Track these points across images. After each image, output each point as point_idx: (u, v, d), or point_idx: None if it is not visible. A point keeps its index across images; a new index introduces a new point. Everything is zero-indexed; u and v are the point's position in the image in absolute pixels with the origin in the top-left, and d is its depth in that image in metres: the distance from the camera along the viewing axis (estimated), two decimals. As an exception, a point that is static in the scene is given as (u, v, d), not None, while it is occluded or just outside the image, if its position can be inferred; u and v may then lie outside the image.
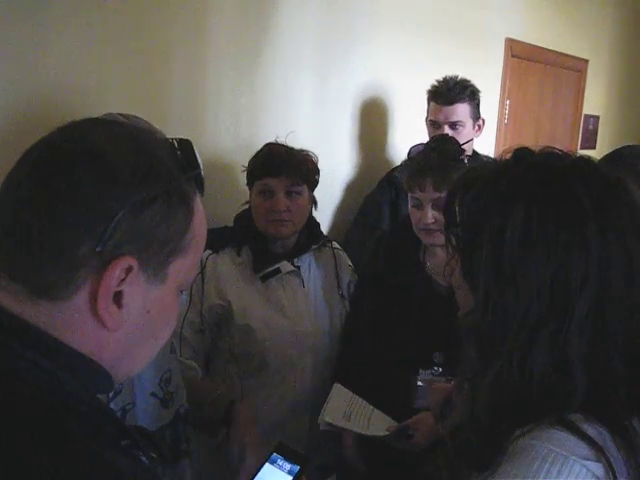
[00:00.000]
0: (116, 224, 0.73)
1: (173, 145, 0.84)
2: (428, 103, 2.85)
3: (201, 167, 0.85)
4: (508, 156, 1.06)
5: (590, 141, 5.26)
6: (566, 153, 1.05)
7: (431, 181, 1.93)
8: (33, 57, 1.80)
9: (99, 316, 0.75)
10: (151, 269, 0.78)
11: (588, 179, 0.98)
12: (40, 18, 1.79)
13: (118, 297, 0.76)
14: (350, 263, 2.36)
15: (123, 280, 0.75)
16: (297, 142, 2.22)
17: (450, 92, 2.75)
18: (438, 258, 2.02)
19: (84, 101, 1.62)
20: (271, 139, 2.22)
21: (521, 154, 1.04)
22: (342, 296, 2.28)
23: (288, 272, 2.16)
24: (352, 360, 2.15)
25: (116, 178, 0.74)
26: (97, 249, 0.73)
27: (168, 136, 0.88)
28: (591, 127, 5.31)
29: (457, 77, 2.80)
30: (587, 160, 1.05)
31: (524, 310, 0.94)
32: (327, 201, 2.74)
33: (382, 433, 1.90)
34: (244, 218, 2.19)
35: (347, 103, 2.95)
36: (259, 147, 2.20)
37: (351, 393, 2.01)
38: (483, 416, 0.98)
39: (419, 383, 1.95)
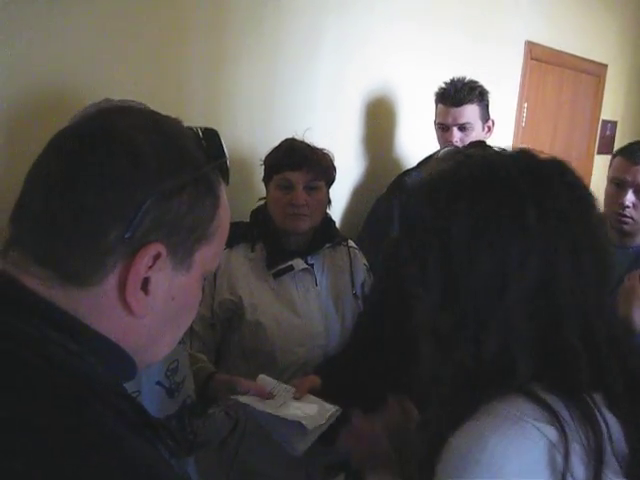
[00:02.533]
0: (145, 211, 0.74)
1: (198, 134, 0.85)
2: (436, 105, 2.81)
3: (227, 156, 0.86)
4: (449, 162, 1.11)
5: (607, 146, 5.23)
6: (503, 149, 1.10)
7: None
8: (49, 49, 1.80)
9: (127, 302, 0.76)
10: (178, 256, 0.79)
11: (525, 167, 1.03)
12: (54, 11, 1.79)
13: (145, 284, 0.77)
14: (365, 262, 2.35)
15: (151, 267, 0.76)
16: (309, 140, 2.21)
17: (458, 93, 2.71)
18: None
19: (98, 96, 1.63)
20: (285, 136, 2.22)
21: (458, 157, 1.10)
22: (356, 296, 2.27)
23: (301, 270, 2.15)
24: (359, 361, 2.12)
25: (145, 166, 0.75)
26: (126, 236, 0.74)
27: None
28: (608, 132, 5.28)
29: (465, 78, 2.76)
30: (525, 151, 1.09)
31: (474, 304, 0.99)
32: (338, 201, 2.73)
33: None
34: (260, 214, 2.19)
35: (360, 103, 2.94)
36: (274, 144, 2.20)
37: (275, 381, 1.88)
38: (449, 399, 1.04)
39: None
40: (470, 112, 2.72)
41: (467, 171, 1.04)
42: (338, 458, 2.23)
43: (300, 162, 2.09)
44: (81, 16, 1.85)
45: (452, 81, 2.76)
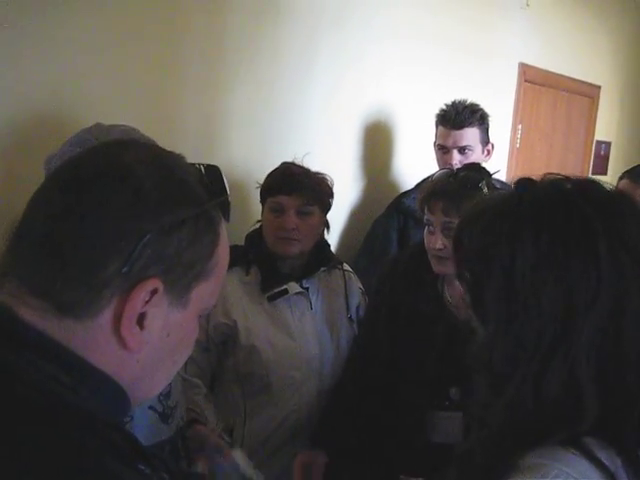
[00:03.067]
0: (144, 246, 0.73)
1: (200, 171, 0.85)
2: (436, 127, 2.80)
3: (228, 194, 0.86)
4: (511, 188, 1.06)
5: (602, 167, 5.25)
6: (567, 177, 1.05)
7: (441, 205, 1.90)
8: (43, 69, 1.80)
9: (122, 337, 0.75)
10: (175, 292, 0.78)
11: (594, 199, 0.99)
12: (50, 30, 1.80)
13: (141, 318, 0.76)
14: (360, 286, 2.34)
15: (147, 302, 0.75)
16: (307, 162, 2.21)
17: (459, 116, 2.70)
18: (456, 288, 1.94)
19: (92, 114, 1.63)
20: (283, 159, 2.22)
21: (523, 184, 1.05)
22: (351, 319, 2.26)
23: (296, 293, 2.15)
24: (355, 390, 2.10)
25: (146, 200, 0.75)
26: (124, 270, 0.73)
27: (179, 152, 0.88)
28: (603, 153, 5.31)
29: (466, 101, 2.75)
30: (591, 181, 1.06)
31: (537, 337, 0.94)
32: (335, 223, 2.72)
33: None
34: (255, 237, 2.19)
35: (356, 125, 2.95)
36: (271, 167, 2.20)
37: (248, 462, 1.72)
38: (494, 439, 0.98)
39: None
40: (471, 135, 2.71)
41: (532, 199, 1.00)
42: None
43: (292, 187, 2.09)
44: (74, 38, 1.85)
45: (453, 103, 2.75)
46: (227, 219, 0.86)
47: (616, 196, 1.02)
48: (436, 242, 1.93)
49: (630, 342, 0.94)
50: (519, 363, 0.96)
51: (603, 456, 0.88)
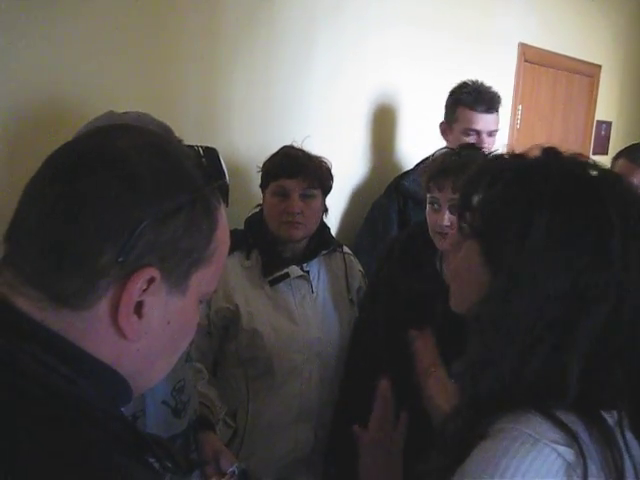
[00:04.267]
0: (139, 234, 0.72)
1: (198, 154, 0.84)
2: (455, 108, 2.73)
3: (226, 177, 0.85)
4: (536, 154, 1.05)
5: (602, 147, 5.24)
6: (595, 163, 1.04)
7: (450, 182, 1.88)
8: (46, 57, 1.80)
9: (119, 326, 0.74)
10: (173, 280, 0.77)
11: (618, 194, 0.98)
12: (54, 19, 1.79)
13: (139, 307, 0.75)
14: (361, 268, 2.34)
15: (145, 290, 0.74)
16: (307, 146, 2.21)
17: (491, 100, 2.69)
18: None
19: (96, 102, 1.63)
20: (283, 143, 2.21)
21: (550, 155, 1.04)
22: (352, 302, 2.27)
23: (297, 277, 2.15)
24: (360, 372, 2.10)
25: (141, 187, 0.73)
26: (119, 259, 0.72)
27: (180, 138, 0.87)
28: (603, 133, 5.29)
29: (484, 83, 2.74)
30: (616, 175, 1.06)
31: (539, 310, 0.95)
32: (336, 206, 2.72)
33: None
34: (255, 222, 2.19)
35: (356, 109, 2.94)
36: (271, 151, 2.19)
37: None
38: (474, 406, 1.00)
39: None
40: (497, 119, 2.74)
41: (558, 173, 0.99)
42: (335, 467, 2.23)
43: (297, 170, 2.08)
44: (80, 29, 1.85)
45: (476, 86, 2.72)
46: (226, 203, 0.85)
47: (635, 190, 1.02)
48: (443, 219, 1.92)
49: (629, 336, 0.95)
50: (517, 331, 0.96)
51: (565, 418, 0.91)
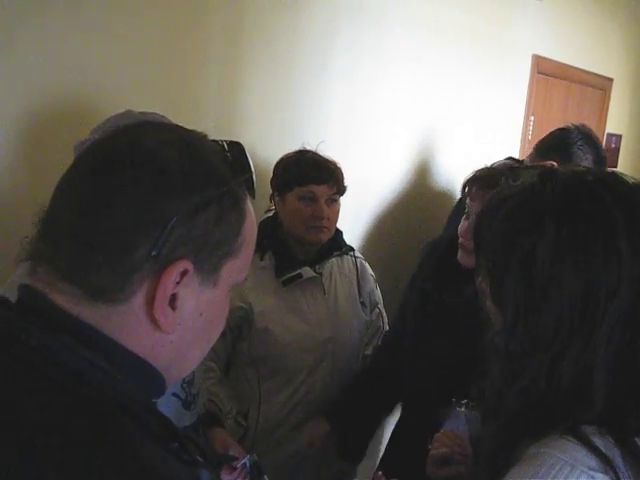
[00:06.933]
0: (171, 228, 0.74)
1: (224, 148, 0.86)
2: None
3: (252, 170, 0.87)
4: (534, 179, 1.07)
5: (613, 159, 5.24)
6: (589, 168, 1.07)
7: (480, 192, 1.84)
8: (63, 54, 1.83)
9: (155, 319, 0.76)
10: (205, 272, 0.79)
11: (616, 192, 1.00)
12: (72, 18, 1.82)
13: (173, 300, 0.77)
14: (372, 272, 2.37)
15: (178, 283, 0.76)
16: (321, 148, 2.24)
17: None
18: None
19: (116, 104, 1.66)
20: (299, 143, 2.25)
21: (546, 174, 1.06)
22: (363, 304, 2.29)
23: (309, 278, 2.18)
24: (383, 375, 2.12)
25: (171, 182, 0.75)
26: (153, 253, 0.74)
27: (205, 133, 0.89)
28: (614, 145, 5.30)
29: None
30: (614, 174, 1.07)
31: (555, 325, 0.96)
32: (346, 211, 2.75)
33: None
34: (269, 225, 2.21)
35: (372, 112, 2.96)
36: (286, 150, 2.22)
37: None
38: (504, 428, 1.00)
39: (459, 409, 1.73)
40: None
41: (555, 189, 1.01)
42: (347, 465, 2.25)
43: (326, 176, 2.13)
44: (99, 27, 1.88)
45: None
46: (253, 195, 0.87)
47: (637, 189, 1.03)
48: (464, 228, 1.87)
49: None
50: (535, 351, 0.97)
51: (601, 444, 0.90)
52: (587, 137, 2.65)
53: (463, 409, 1.66)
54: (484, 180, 1.85)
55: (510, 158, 2.05)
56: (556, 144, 2.65)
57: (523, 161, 1.92)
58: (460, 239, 1.89)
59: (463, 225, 1.90)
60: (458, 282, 1.92)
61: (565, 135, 2.67)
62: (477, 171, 1.91)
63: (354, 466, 2.25)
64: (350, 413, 2.10)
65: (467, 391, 1.69)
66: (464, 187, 1.92)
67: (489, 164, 1.99)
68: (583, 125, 2.82)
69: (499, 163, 2.00)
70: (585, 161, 2.58)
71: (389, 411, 2.25)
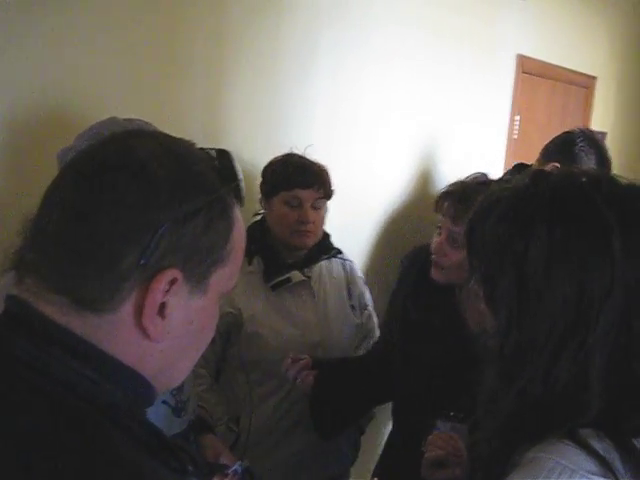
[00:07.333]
0: (160, 237, 0.74)
1: (212, 156, 0.86)
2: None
3: (240, 178, 0.86)
4: (526, 180, 1.06)
5: (597, 157, 5.26)
6: (582, 169, 1.06)
7: (452, 209, 1.84)
8: (46, 60, 1.81)
9: (144, 328, 0.76)
10: (194, 280, 0.78)
11: (609, 193, 0.99)
12: (56, 21, 1.81)
13: (162, 308, 0.76)
14: (361, 274, 2.37)
15: (167, 291, 0.75)
16: (308, 150, 2.24)
17: None
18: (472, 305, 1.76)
19: (101, 110, 1.64)
20: (288, 149, 2.24)
21: (538, 175, 1.06)
22: (353, 307, 2.29)
23: (298, 282, 2.18)
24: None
25: (159, 191, 0.75)
26: (141, 262, 0.73)
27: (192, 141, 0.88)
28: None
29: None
30: (607, 175, 1.06)
31: (549, 327, 0.95)
32: (333, 214, 2.75)
33: None
34: (256, 230, 2.20)
35: (357, 113, 2.94)
36: (274, 156, 2.22)
37: None
38: (501, 430, 0.99)
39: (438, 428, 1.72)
40: None
41: (547, 191, 1.01)
42: (340, 468, 2.25)
43: (311, 181, 2.12)
44: (82, 34, 1.87)
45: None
46: (241, 203, 0.87)
47: (631, 190, 1.02)
48: (434, 244, 1.88)
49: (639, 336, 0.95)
50: (530, 354, 0.97)
51: (599, 447, 0.90)
52: (590, 139, 2.73)
53: (449, 423, 1.67)
54: (456, 195, 1.85)
55: (480, 173, 2.07)
56: (559, 147, 2.72)
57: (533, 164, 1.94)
58: (433, 256, 1.90)
59: (435, 241, 1.90)
60: (438, 295, 1.92)
61: (568, 137, 2.74)
62: (449, 186, 1.92)
63: (324, 438, 2.20)
64: (335, 382, 2.08)
65: (457, 399, 1.69)
66: (436, 202, 1.92)
67: (462, 177, 1.99)
68: (587, 128, 2.93)
69: (471, 177, 2.01)
70: (588, 162, 2.64)
71: (375, 401, 2.25)
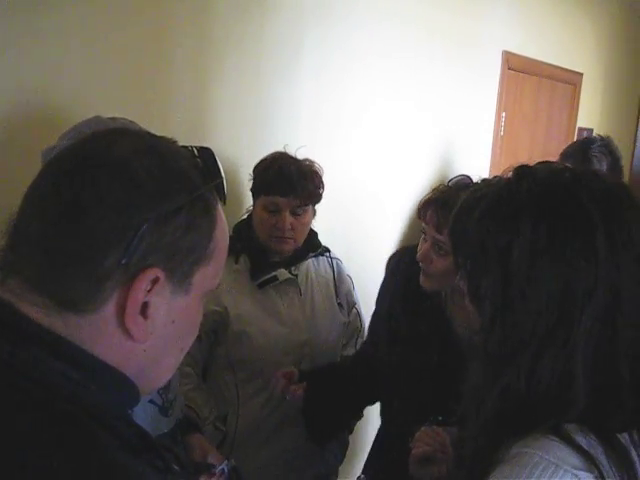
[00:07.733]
0: (141, 236, 0.73)
1: (194, 154, 0.85)
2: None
3: (223, 176, 0.86)
4: (509, 175, 1.06)
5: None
6: (566, 166, 1.07)
7: (435, 216, 1.83)
8: (34, 60, 1.80)
9: (126, 328, 0.75)
10: (176, 279, 0.78)
11: (593, 190, 0.99)
12: (42, 21, 1.79)
13: (144, 308, 0.76)
14: (349, 273, 2.36)
15: (149, 291, 0.75)
16: (295, 148, 2.23)
17: None
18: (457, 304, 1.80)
19: (85, 109, 1.63)
20: (272, 145, 2.23)
21: (522, 171, 1.05)
22: (340, 305, 2.29)
23: (285, 280, 2.17)
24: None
25: (140, 190, 0.74)
26: (123, 261, 0.73)
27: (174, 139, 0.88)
28: (585, 140, 5.34)
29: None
30: (590, 171, 1.07)
31: (533, 324, 0.96)
32: (322, 212, 2.74)
33: None
34: (243, 229, 2.20)
35: (342, 111, 2.93)
36: (260, 154, 2.20)
37: None
38: (486, 427, 1.00)
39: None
40: None
41: (531, 187, 1.01)
42: (328, 467, 2.25)
43: (290, 189, 2.08)
44: (66, 33, 1.85)
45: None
46: (223, 201, 0.86)
47: (615, 187, 1.03)
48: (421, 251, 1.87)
49: (624, 333, 0.95)
50: (514, 351, 0.97)
51: (584, 442, 0.90)
52: (605, 145, 2.88)
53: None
54: (438, 202, 1.84)
55: (463, 175, 2.07)
56: (576, 150, 2.89)
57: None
58: (420, 263, 1.88)
59: (421, 249, 1.88)
60: (425, 300, 1.92)
61: (585, 142, 2.91)
62: (431, 193, 1.91)
63: (318, 445, 2.20)
64: (326, 383, 2.09)
65: (444, 403, 1.70)
66: (419, 210, 1.91)
67: (444, 181, 1.99)
68: (607, 136, 3.06)
69: (454, 180, 2.01)
70: (600, 167, 2.77)
71: (365, 404, 2.26)
